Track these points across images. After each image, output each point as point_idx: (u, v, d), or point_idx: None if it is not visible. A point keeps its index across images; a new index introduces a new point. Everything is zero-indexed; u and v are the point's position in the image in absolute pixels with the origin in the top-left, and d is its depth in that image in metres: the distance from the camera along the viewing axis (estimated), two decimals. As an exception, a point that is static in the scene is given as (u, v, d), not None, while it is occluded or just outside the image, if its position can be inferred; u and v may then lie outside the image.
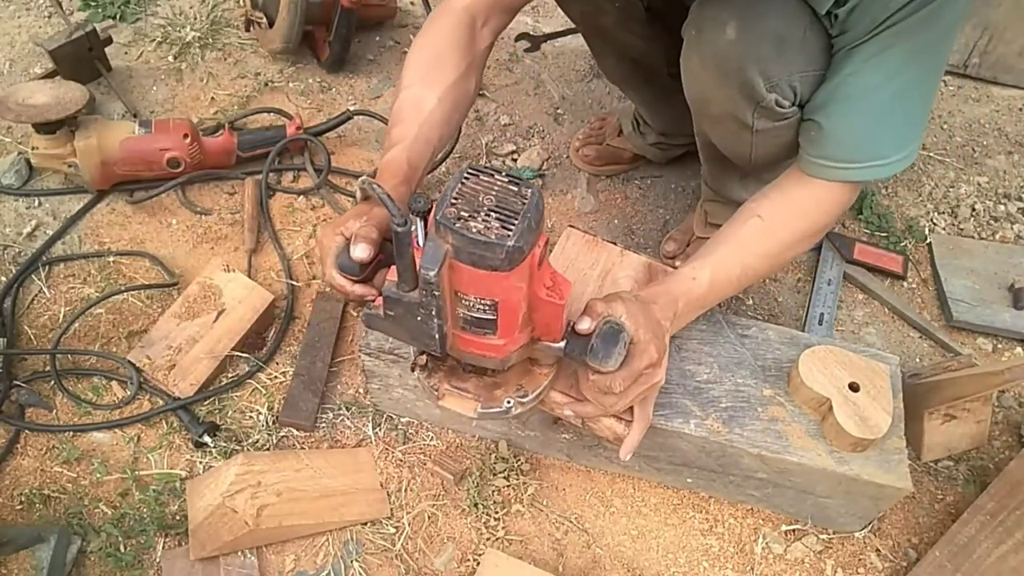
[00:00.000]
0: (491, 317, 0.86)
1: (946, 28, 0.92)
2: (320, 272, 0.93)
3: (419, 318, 0.87)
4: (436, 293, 0.82)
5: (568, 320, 0.93)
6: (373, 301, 0.94)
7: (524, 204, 0.79)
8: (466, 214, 0.78)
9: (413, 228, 0.81)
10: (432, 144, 1.07)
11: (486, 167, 0.82)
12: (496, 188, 0.80)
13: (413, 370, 1.02)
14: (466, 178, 0.81)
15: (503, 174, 0.81)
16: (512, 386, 1.01)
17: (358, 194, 1.02)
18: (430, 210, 0.80)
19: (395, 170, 1.01)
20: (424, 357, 1.01)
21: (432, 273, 0.79)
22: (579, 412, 0.99)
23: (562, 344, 0.93)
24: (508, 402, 1.00)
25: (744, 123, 1.07)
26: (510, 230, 0.77)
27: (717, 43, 1.00)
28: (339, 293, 0.96)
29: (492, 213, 0.78)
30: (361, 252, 0.90)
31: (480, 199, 0.79)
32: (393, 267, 0.85)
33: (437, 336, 0.89)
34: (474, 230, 0.77)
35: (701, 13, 1.03)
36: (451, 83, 1.08)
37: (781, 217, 1.04)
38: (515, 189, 0.80)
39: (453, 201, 0.79)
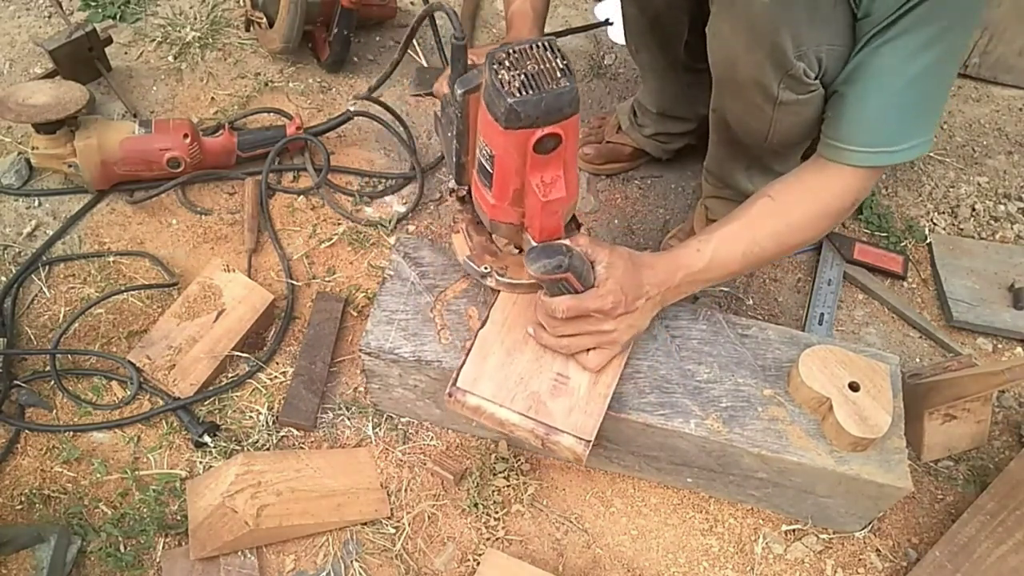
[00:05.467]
0: (490, 170, 0.94)
1: (964, 16, 0.93)
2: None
3: (449, 134, 0.98)
4: (458, 114, 0.93)
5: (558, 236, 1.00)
6: None
7: (553, 87, 0.86)
8: (508, 64, 0.86)
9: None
10: None
11: (559, 49, 0.88)
12: (546, 65, 0.87)
13: (451, 195, 1.12)
14: (535, 45, 0.88)
15: (563, 61, 0.87)
16: (502, 263, 1.11)
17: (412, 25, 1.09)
18: None
19: (523, 16, 1.16)
20: (464, 190, 1.10)
21: (460, 92, 0.91)
22: (537, 335, 1.06)
23: (535, 244, 0.99)
24: (486, 268, 1.11)
25: (769, 93, 1.07)
26: (520, 94, 0.85)
27: (751, 6, 1.01)
28: (440, 99, 1.05)
29: (523, 76, 0.86)
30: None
31: (527, 63, 0.87)
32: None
33: (455, 160, 1.00)
34: (499, 76, 0.85)
35: None
36: None
37: (791, 197, 1.06)
38: (558, 74, 0.87)
39: (509, 52, 0.87)
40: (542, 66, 0.87)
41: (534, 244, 0.99)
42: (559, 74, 0.87)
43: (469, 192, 1.08)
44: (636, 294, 0.99)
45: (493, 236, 1.12)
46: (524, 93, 0.84)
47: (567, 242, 0.98)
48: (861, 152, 1.01)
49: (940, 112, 1.05)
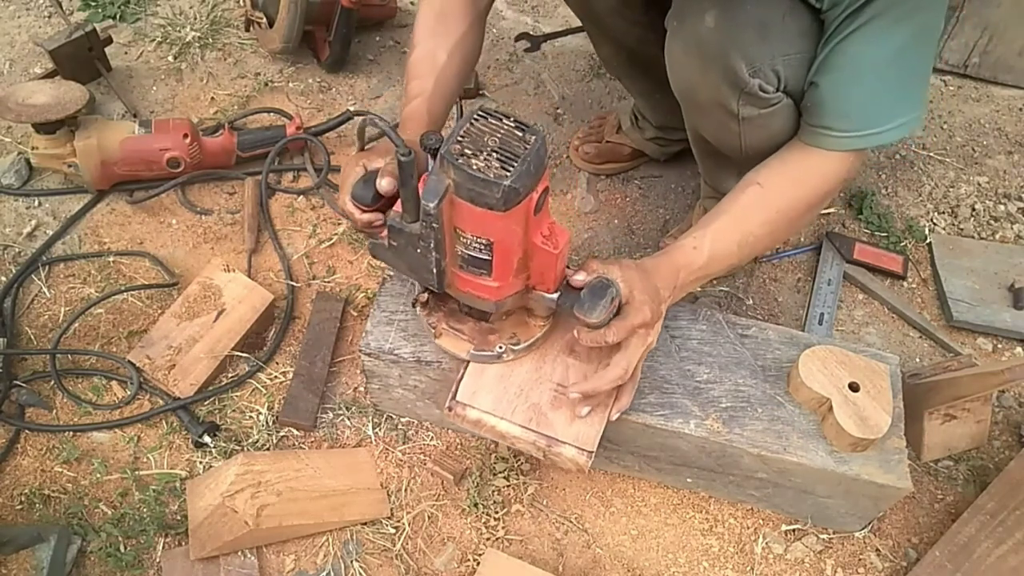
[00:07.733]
0: (486, 257, 0.89)
1: None
2: (336, 199, 1.05)
3: (419, 250, 0.92)
4: (435, 226, 0.86)
5: (565, 276, 0.97)
6: (379, 229, 0.99)
7: (526, 149, 0.82)
8: (469, 152, 0.82)
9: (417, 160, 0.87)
10: (447, 96, 1.15)
11: (496, 111, 0.85)
12: (502, 131, 0.83)
13: (414, 306, 1.08)
14: (475, 119, 0.84)
15: (511, 119, 0.84)
16: (507, 333, 1.06)
17: (356, 137, 1.06)
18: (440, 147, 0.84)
19: (417, 120, 1.09)
20: (426, 295, 1.06)
21: (432, 205, 0.84)
22: (584, 390, 0.99)
23: (555, 296, 0.96)
24: (500, 347, 1.05)
25: (730, 111, 1.07)
26: (509, 171, 0.81)
27: (698, 31, 1.01)
28: (350, 219, 1.02)
29: (494, 153, 0.82)
30: (387, 185, 0.96)
31: (485, 140, 0.83)
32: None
33: (435, 271, 0.93)
34: (475, 167, 0.81)
35: (682, 2, 1.05)
36: (459, 37, 1.15)
37: (780, 183, 1.05)
38: (520, 134, 0.83)
39: (459, 139, 0.82)
40: (499, 134, 0.83)
41: (548, 296, 0.96)
42: (519, 132, 0.83)
43: (431, 292, 1.03)
44: (658, 298, 0.98)
45: (479, 316, 1.06)
46: (509, 169, 0.80)
47: (597, 273, 0.95)
48: (846, 137, 1.00)
49: (923, 90, 1.03)
